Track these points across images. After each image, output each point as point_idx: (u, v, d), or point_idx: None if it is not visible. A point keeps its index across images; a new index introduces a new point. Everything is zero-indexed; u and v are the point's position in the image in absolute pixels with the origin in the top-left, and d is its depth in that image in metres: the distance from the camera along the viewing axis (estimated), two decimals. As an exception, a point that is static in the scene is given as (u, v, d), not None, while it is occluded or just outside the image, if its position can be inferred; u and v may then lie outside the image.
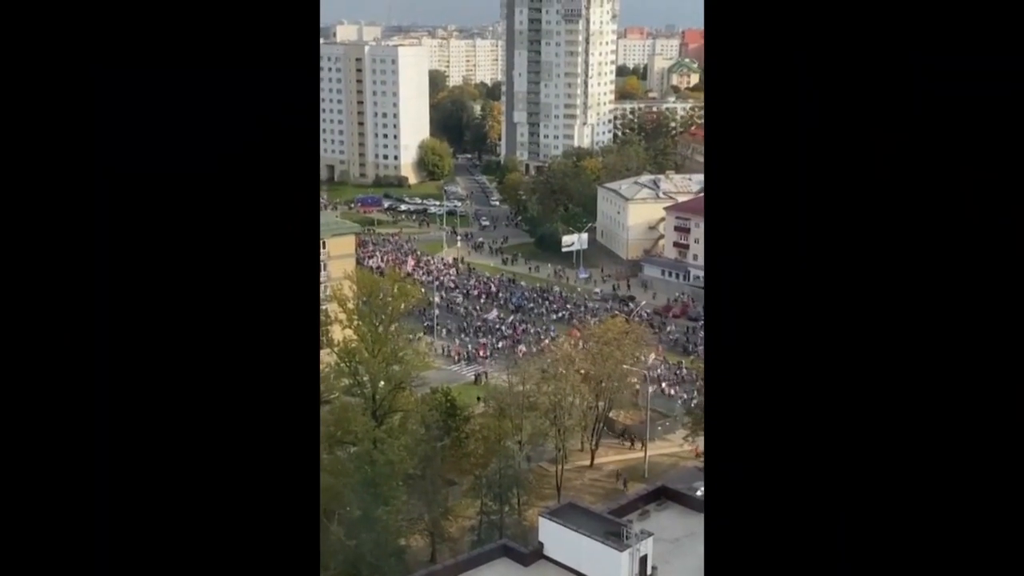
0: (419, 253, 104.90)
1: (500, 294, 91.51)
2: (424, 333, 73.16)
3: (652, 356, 66.48)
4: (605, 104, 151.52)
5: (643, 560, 34.77)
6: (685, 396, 62.63)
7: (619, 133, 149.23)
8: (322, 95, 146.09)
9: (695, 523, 38.28)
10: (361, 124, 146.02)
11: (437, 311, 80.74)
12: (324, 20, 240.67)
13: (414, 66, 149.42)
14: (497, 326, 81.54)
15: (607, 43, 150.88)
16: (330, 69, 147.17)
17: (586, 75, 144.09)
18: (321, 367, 58.60)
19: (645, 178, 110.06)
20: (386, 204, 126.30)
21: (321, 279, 72.60)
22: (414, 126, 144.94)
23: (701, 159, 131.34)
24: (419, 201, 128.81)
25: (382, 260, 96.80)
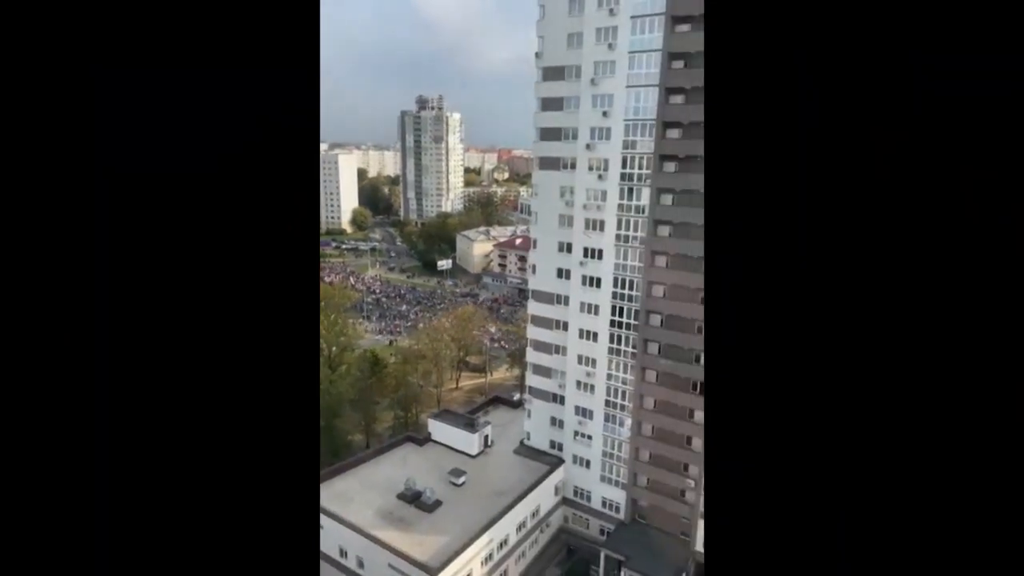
0: (355, 272, 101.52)
1: (407, 295, 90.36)
2: (361, 319, 71.92)
3: (493, 327, 67.48)
4: (458, 188, 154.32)
5: (485, 437, 35.10)
6: (508, 346, 63.44)
7: (466, 204, 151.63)
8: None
9: (514, 415, 38.92)
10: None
11: (367, 306, 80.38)
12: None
13: (348, 166, 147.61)
14: (406, 314, 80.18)
15: (458, 155, 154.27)
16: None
17: (447, 172, 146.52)
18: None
19: (481, 229, 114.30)
20: (333, 244, 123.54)
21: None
22: (348, 200, 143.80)
23: (512, 219, 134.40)
24: (353, 242, 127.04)
25: (333, 277, 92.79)
